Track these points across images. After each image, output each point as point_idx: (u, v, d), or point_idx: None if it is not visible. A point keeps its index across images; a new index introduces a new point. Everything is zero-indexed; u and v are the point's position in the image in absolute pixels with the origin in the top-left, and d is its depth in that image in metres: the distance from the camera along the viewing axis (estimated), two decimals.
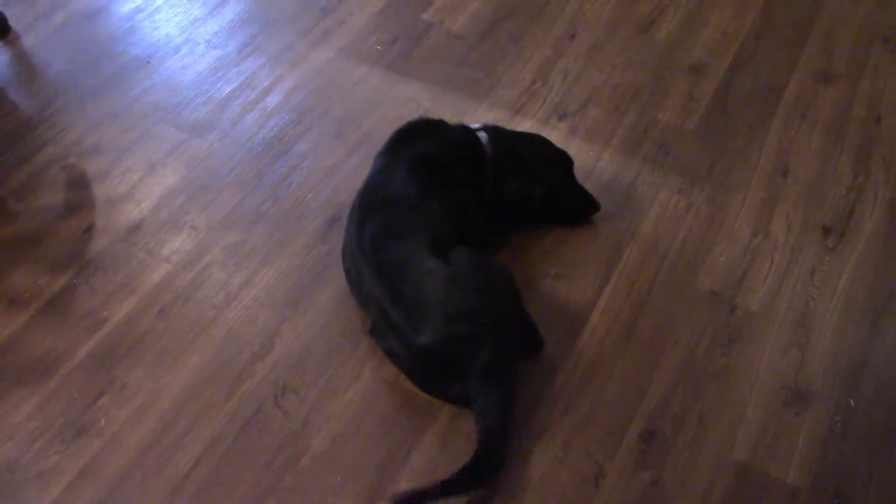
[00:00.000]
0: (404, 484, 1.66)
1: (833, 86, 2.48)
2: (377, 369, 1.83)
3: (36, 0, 2.75)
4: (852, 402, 1.79)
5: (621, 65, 2.55)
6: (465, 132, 2.04)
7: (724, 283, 2.00)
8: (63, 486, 1.66)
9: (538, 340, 1.84)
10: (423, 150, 1.97)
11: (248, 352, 1.87)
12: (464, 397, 1.73)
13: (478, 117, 2.35)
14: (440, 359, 1.70)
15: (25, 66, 2.56)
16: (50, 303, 1.96)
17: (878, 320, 1.93)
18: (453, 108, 2.39)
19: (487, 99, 2.44)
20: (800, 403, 1.79)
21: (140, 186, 2.21)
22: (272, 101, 2.43)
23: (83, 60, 2.56)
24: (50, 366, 1.84)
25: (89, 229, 2.11)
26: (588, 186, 2.11)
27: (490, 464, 1.63)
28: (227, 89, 2.47)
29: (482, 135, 2.04)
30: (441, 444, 1.72)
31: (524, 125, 2.35)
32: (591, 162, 2.26)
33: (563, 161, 2.09)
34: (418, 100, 2.43)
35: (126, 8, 2.74)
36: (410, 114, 2.17)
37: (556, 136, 2.28)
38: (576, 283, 1.99)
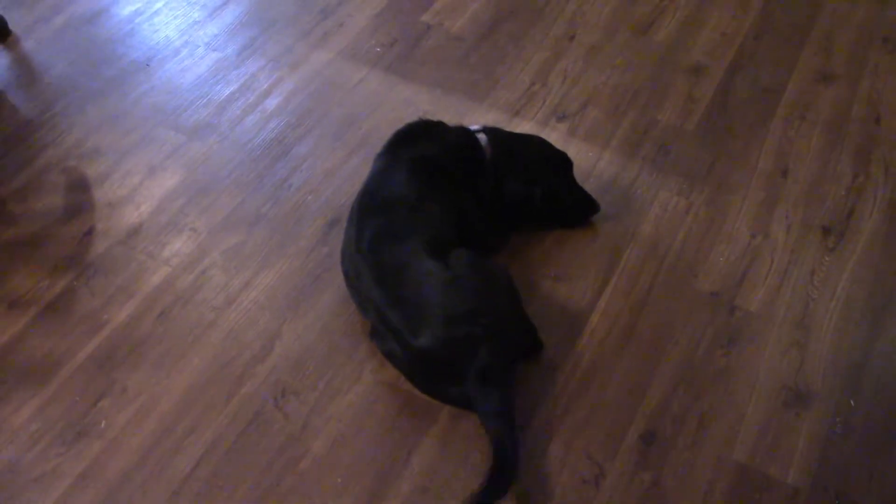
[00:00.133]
0: (405, 485, 1.66)
1: (832, 86, 2.48)
2: (377, 371, 1.83)
3: (36, 3, 2.75)
4: (852, 403, 1.79)
5: (620, 66, 2.55)
6: (465, 134, 2.04)
7: (724, 283, 2.00)
8: (63, 488, 1.67)
9: (538, 342, 1.84)
10: (422, 152, 1.97)
11: (248, 354, 1.87)
12: (464, 399, 1.73)
13: (477, 119, 2.35)
14: (440, 361, 1.70)
15: (25, 70, 2.56)
16: (50, 306, 1.96)
17: (877, 320, 1.93)
18: (453, 110, 2.39)
19: (487, 100, 2.44)
20: (800, 404, 1.79)
21: (140, 189, 2.21)
22: (272, 103, 2.44)
23: (83, 63, 2.56)
24: (50, 368, 1.85)
25: (89, 232, 2.11)
26: (587, 187, 2.12)
27: (507, 470, 1.61)
28: (227, 92, 2.47)
29: (481, 136, 2.04)
30: (441, 446, 1.72)
31: (523, 126, 2.35)
32: (590, 163, 2.26)
33: (562, 162, 2.09)
34: (418, 102, 2.43)
35: (126, 11, 2.75)
36: (410, 116, 2.17)
37: (555, 137, 2.28)
38: (575, 284, 2.00)
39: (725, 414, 1.77)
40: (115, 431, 1.75)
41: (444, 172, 1.96)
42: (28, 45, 2.63)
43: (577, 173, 2.13)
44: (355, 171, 2.23)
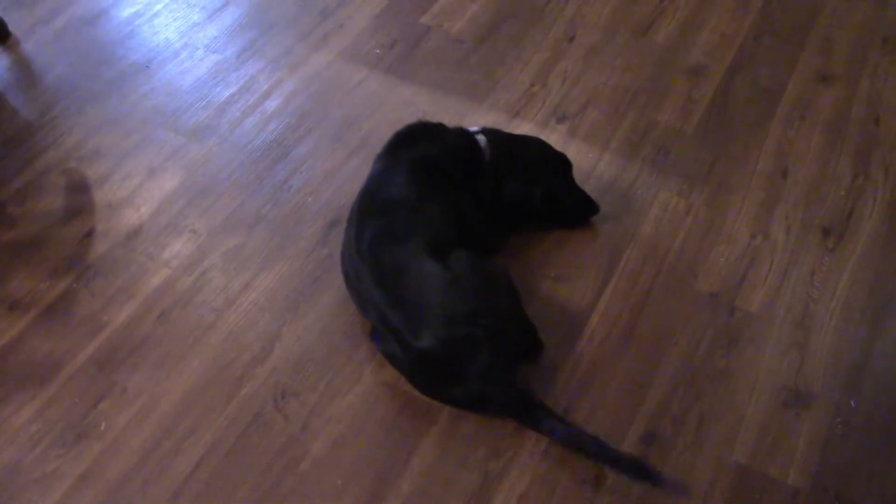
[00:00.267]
0: (405, 486, 1.66)
1: (832, 87, 2.49)
2: (377, 372, 1.83)
3: (35, 5, 2.76)
4: (853, 403, 1.79)
5: (620, 67, 2.55)
6: (464, 135, 2.04)
7: (724, 284, 2.00)
8: (64, 489, 1.67)
9: (538, 342, 1.84)
10: (422, 154, 1.97)
11: (247, 355, 1.87)
12: (464, 399, 1.73)
13: (477, 120, 2.35)
14: (440, 362, 1.70)
15: (25, 72, 2.56)
16: (50, 307, 1.96)
17: (878, 321, 1.93)
18: (452, 111, 2.39)
19: (486, 101, 2.44)
20: (800, 404, 1.79)
21: (140, 191, 2.21)
22: (271, 104, 2.44)
23: (83, 65, 2.56)
24: (50, 370, 1.85)
25: (89, 234, 2.11)
26: (587, 188, 2.12)
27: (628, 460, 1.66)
28: (227, 93, 2.47)
29: (481, 138, 2.04)
30: (441, 447, 1.72)
31: (523, 128, 2.35)
32: (590, 164, 2.26)
33: (562, 163, 2.09)
34: (417, 103, 2.43)
35: (125, 13, 2.75)
36: (409, 117, 2.17)
37: (555, 138, 2.28)
38: (575, 285, 2.00)
39: (725, 414, 1.77)
40: (115, 433, 1.75)
41: (444, 173, 1.96)
42: (28, 46, 2.63)
43: (577, 174, 2.13)
44: (355, 173, 2.23)
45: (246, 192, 2.20)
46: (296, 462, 1.70)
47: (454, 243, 1.83)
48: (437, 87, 2.49)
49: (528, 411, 1.71)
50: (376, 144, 2.08)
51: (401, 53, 2.60)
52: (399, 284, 1.75)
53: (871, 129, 2.36)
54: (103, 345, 1.89)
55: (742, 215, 2.14)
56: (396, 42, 2.64)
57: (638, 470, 1.64)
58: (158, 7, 2.77)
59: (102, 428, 1.75)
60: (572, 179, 2.11)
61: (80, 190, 2.22)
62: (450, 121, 2.10)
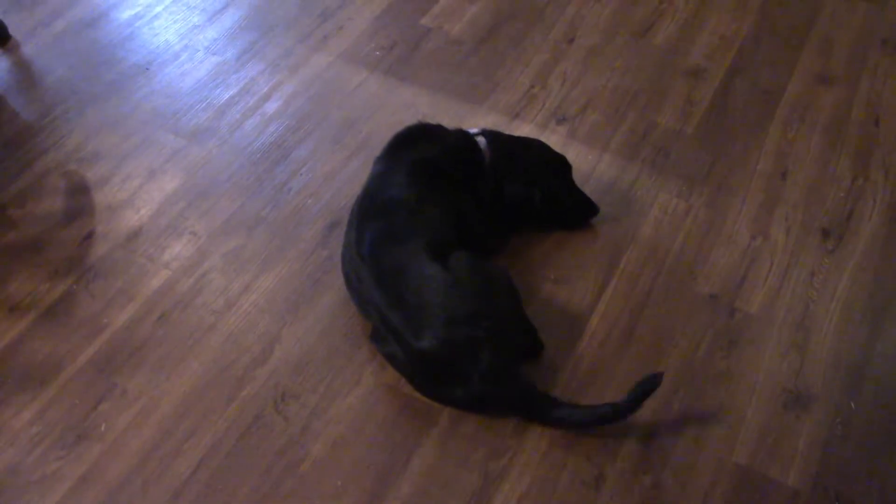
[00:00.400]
0: (405, 487, 1.66)
1: (832, 88, 2.49)
2: (377, 374, 1.83)
3: (35, 8, 2.76)
4: (853, 404, 1.79)
5: (620, 69, 2.55)
6: (464, 137, 2.04)
7: (724, 285, 2.00)
8: (64, 491, 1.66)
9: (538, 344, 1.84)
10: (421, 155, 1.97)
11: (247, 357, 1.87)
12: (465, 401, 1.73)
13: (476, 122, 2.35)
14: (440, 363, 1.70)
15: (25, 74, 2.56)
16: (50, 309, 1.96)
17: (878, 322, 1.93)
18: (452, 113, 2.39)
19: (486, 103, 2.44)
20: (800, 406, 1.79)
21: (140, 193, 2.21)
22: (271, 106, 2.44)
23: (83, 67, 2.57)
24: (50, 372, 1.84)
25: (89, 236, 2.11)
26: (587, 190, 2.12)
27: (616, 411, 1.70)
28: (227, 95, 2.47)
29: (481, 139, 2.04)
30: (441, 448, 1.72)
31: (523, 129, 2.35)
32: (590, 165, 2.26)
33: (561, 165, 2.10)
34: (417, 105, 2.43)
35: (125, 15, 2.75)
36: (409, 119, 2.17)
37: (554, 140, 2.28)
38: (575, 286, 2.00)
39: (725, 416, 1.77)
40: (115, 434, 1.74)
41: (444, 175, 1.96)
42: (28, 49, 2.63)
43: (577, 176, 2.13)
44: (355, 174, 2.23)
45: (246, 193, 2.21)
46: (296, 463, 1.70)
47: (454, 244, 1.84)
48: (437, 88, 2.49)
49: (534, 406, 1.72)
50: (376, 146, 2.08)
51: (401, 55, 2.60)
52: (399, 285, 1.75)
53: (871, 130, 2.37)
54: (103, 346, 1.89)
55: (742, 216, 2.14)
56: (396, 44, 2.64)
57: (648, 390, 1.69)
58: (158, 9, 2.77)
59: (102, 429, 1.75)
60: (572, 181, 2.11)
61: (80, 192, 2.23)
62: (450, 122, 2.10)
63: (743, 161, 2.28)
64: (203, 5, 2.78)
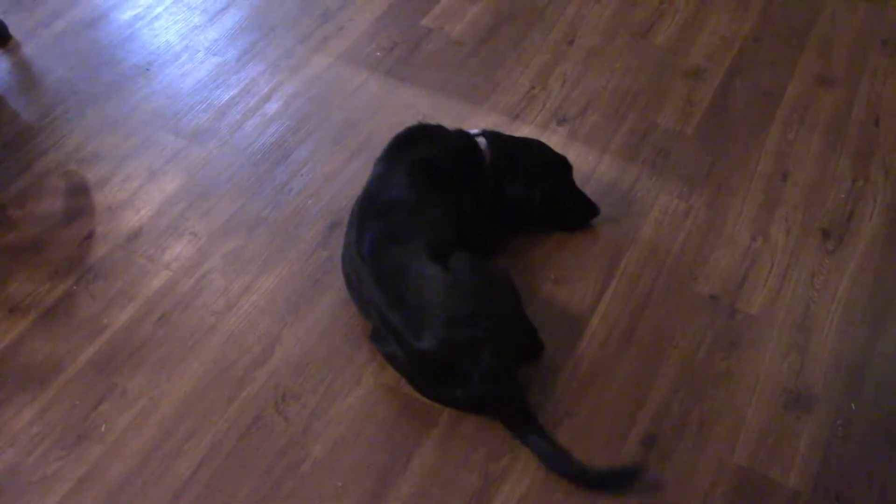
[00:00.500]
0: (405, 488, 1.66)
1: (832, 89, 2.49)
2: (377, 374, 1.83)
3: (36, 8, 2.76)
4: (853, 405, 1.79)
5: (620, 70, 2.55)
6: (464, 137, 2.04)
7: (724, 286, 2.00)
8: (64, 492, 1.66)
9: (538, 344, 1.84)
10: (422, 156, 1.97)
11: (248, 358, 1.87)
12: (465, 402, 1.73)
13: (477, 122, 2.35)
14: (440, 363, 1.70)
15: (25, 74, 2.56)
16: (50, 310, 1.96)
17: (878, 323, 1.93)
18: (452, 114, 2.39)
19: (486, 104, 2.44)
20: (801, 407, 1.79)
21: (140, 193, 2.21)
22: (272, 107, 2.44)
23: (83, 68, 2.57)
24: (50, 372, 1.84)
25: (89, 236, 2.11)
26: (587, 191, 2.12)
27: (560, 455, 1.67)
28: (227, 96, 2.47)
29: (481, 140, 2.04)
30: (441, 449, 1.71)
31: (523, 130, 2.35)
32: (590, 166, 2.26)
33: (562, 165, 2.10)
34: (417, 105, 2.43)
35: (126, 16, 2.75)
36: (410, 119, 2.17)
37: (555, 140, 2.28)
38: (576, 287, 2.00)
39: (726, 417, 1.77)
40: (116, 435, 1.74)
41: (444, 175, 1.96)
42: (28, 49, 2.63)
43: (578, 177, 2.13)
44: (355, 175, 2.23)
45: (246, 194, 2.20)
46: (296, 464, 1.70)
47: (455, 245, 1.84)
48: (438, 89, 2.49)
49: (516, 420, 1.70)
50: (377, 147, 2.08)
51: (401, 56, 2.60)
52: (399, 286, 1.75)
53: (871, 131, 2.37)
54: (103, 347, 1.89)
55: (742, 217, 2.14)
56: (397, 45, 2.64)
57: (623, 478, 1.65)
58: (159, 10, 2.77)
59: (103, 430, 1.75)
60: (572, 181, 2.11)
61: (80, 192, 2.22)
62: (450, 123, 2.10)
63: (743, 162, 2.28)
64: (204, 6, 2.78)
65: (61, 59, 2.59)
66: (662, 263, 2.05)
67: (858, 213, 2.16)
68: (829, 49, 2.62)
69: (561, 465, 1.67)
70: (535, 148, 2.11)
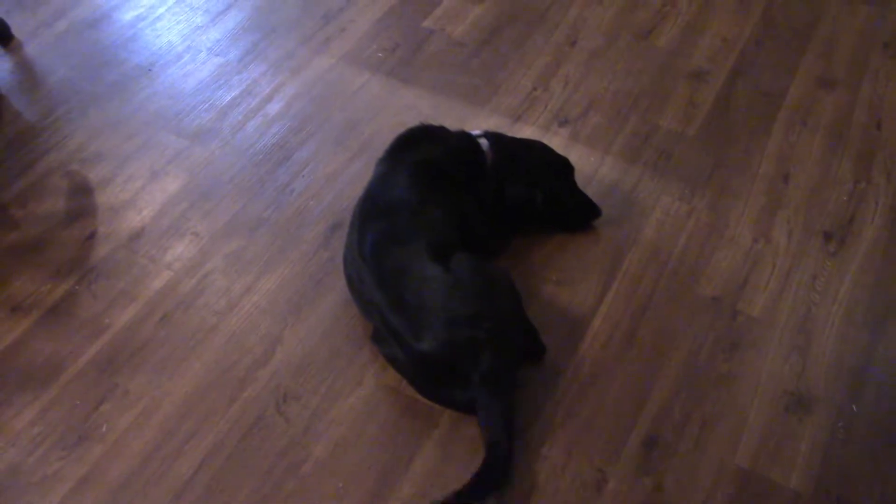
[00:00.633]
0: (406, 489, 1.66)
1: (834, 92, 2.49)
2: (379, 375, 1.83)
3: (38, 8, 2.76)
4: (854, 407, 1.79)
5: (622, 71, 2.55)
6: (466, 138, 2.05)
7: (726, 288, 2.00)
8: (65, 492, 1.66)
9: (539, 346, 1.84)
10: (424, 157, 1.97)
11: (249, 358, 1.87)
12: (465, 403, 1.73)
13: (478, 124, 2.35)
14: (441, 365, 1.70)
15: (28, 74, 2.57)
16: (52, 309, 1.96)
17: (879, 325, 1.93)
18: (454, 115, 2.39)
19: (488, 105, 2.45)
20: (802, 408, 1.78)
21: (142, 194, 2.21)
22: (274, 108, 2.44)
23: (85, 68, 2.57)
24: (52, 372, 1.84)
25: (91, 236, 2.11)
26: (589, 192, 2.12)
27: (498, 471, 1.63)
28: (229, 97, 2.48)
29: (483, 141, 2.05)
30: (442, 451, 1.71)
31: (525, 132, 2.35)
32: (592, 168, 2.26)
33: (563, 167, 2.10)
34: (419, 106, 2.43)
35: (128, 16, 2.75)
36: (411, 120, 2.17)
37: (557, 142, 2.28)
38: (577, 288, 2.00)
39: (727, 418, 1.77)
40: (117, 435, 1.74)
41: (446, 176, 1.96)
42: (30, 49, 2.63)
43: (579, 178, 2.13)
44: (357, 176, 2.23)
45: (248, 195, 2.21)
46: (297, 465, 1.70)
47: (456, 246, 1.84)
48: (439, 90, 2.49)
49: (501, 428, 1.67)
50: (378, 148, 2.08)
51: (403, 57, 2.60)
52: (401, 287, 1.75)
53: (873, 133, 2.37)
54: (105, 347, 1.89)
55: (744, 219, 2.14)
56: (398, 46, 2.64)
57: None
58: (161, 10, 2.77)
59: (104, 430, 1.75)
60: (574, 183, 2.11)
61: (82, 192, 2.23)
62: (452, 125, 2.10)
63: (745, 164, 2.28)
64: (206, 6, 2.79)
65: (63, 59, 2.59)
66: (664, 265, 2.04)
67: (860, 215, 2.16)
68: (830, 51, 2.62)
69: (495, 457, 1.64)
70: (536, 149, 2.11)
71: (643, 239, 2.10)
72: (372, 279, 1.78)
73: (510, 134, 2.16)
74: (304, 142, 2.34)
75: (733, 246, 2.08)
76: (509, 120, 2.40)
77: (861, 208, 2.17)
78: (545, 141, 2.18)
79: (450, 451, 1.71)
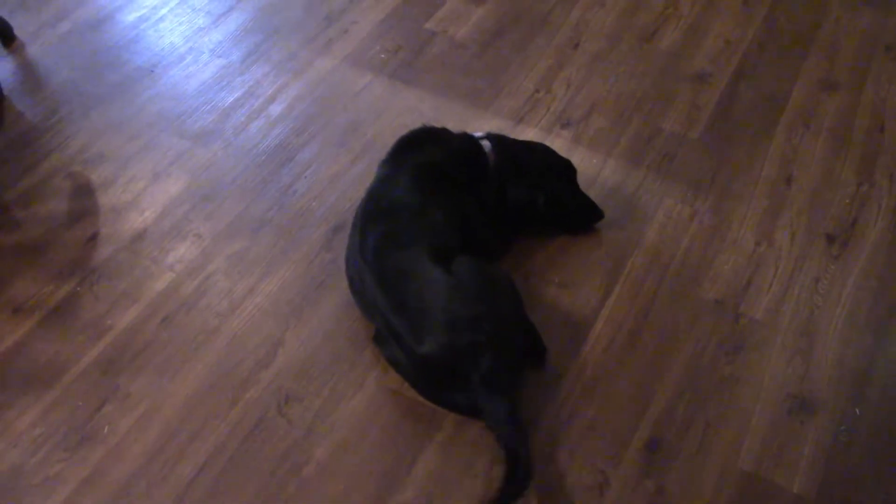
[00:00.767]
0: (408, 492, 1.65)
1: (836, 94, 2.49)
2: (381, 378, 1.83)
3: (41, 9, 2.76)
4: (858, 411, 1.79)
5: (624, 74, 2.55)
6: (469, 140, 2.04)
7: (729, 291, 1.99)
8: (67, 493, 1.66)
9: (541, 348, 1.84)
10: (426, 159, 1.97)
11: (251, 360, 1.87)
12: (468, 406, 1.73)
13: (481, 126, 2.35)
14: (442, 367, 1.70)
15: (30, 75, 2.57)
16: (54, 311, 1.96)
17: (882, 328, 1.93)
18: (457, 117, 2.39)
19: (491, 108, 2.44)
20: (805, 412, 1.78)
21: (144, 195, 2.21)
22: (276, 109, 2.44)
23: (88, 69, 2.57)
24: (54, 374, 1.84)
25: (93, 237, 2.11)
26: (592, 195, 2.11)
27: (521, 477, 1.60)
28: (231, 98, 2.47)
29: (485, 143, 2.04)
30: (445, 453, 1.71)
31: (527, 134, 2.35)
32: (594, 170, 2.26)
33: (566, 169, 2.10)
34: (421, 108, 2.43)
35: (131, 17, 2.75)
36: (414, 122, 2.17)
37: (559, 144, 2.28)
38: (579, 291, 1.99)
39: (730, 422, 1.76)
40: (118, 437, 1.74)
41: (448, 178, 1.96)
42: (33, 50, 2.63)
43: (582, 180, 2.13)
44: (359, 178, 2.23)
45: (250, 196, 2.20)
46: (299, 467, 1.69)
47: (458, 248, 1.83)
48: (442, 92, 2.49)
49: (513, 430, 1.67)
50: (380, 149, 2.08)
51: (405, 59, 2.60)
52: (402, 289, 1.75)
53: (876, 136, 2.36)
54: (107, 349, 1.89)
55: (746, 222, 2.14)
56: (401, 47, 2.64)
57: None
58: (164, 11, 2.77)
59: (105, 432, 1.75)
60: (577, 185, 2.11)
61: (84, 193, 2.22)
62: (454, 126, 2.10)
63: (748, 166, 2.28)
64: (208, 8, 2.79)
65: (66, 61, 2.59)
66: (667, 268, 2.04)
67: (863, 218, 2.15)
68: (833, 54, 2.62)
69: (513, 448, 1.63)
70: (539, 151, 2.11)
71: (646, 241, 2.10)
72: (373, 281, 1.78)
73: (513, 136, 2.16)
74: (307, 143, 2.34)
75: (736, 249, 2.08)
76: (512, 122, 2.40)
77: (864, 211, 2.17)
78: (548, 143, 2.18)
79: (452, 453, 1.71)
